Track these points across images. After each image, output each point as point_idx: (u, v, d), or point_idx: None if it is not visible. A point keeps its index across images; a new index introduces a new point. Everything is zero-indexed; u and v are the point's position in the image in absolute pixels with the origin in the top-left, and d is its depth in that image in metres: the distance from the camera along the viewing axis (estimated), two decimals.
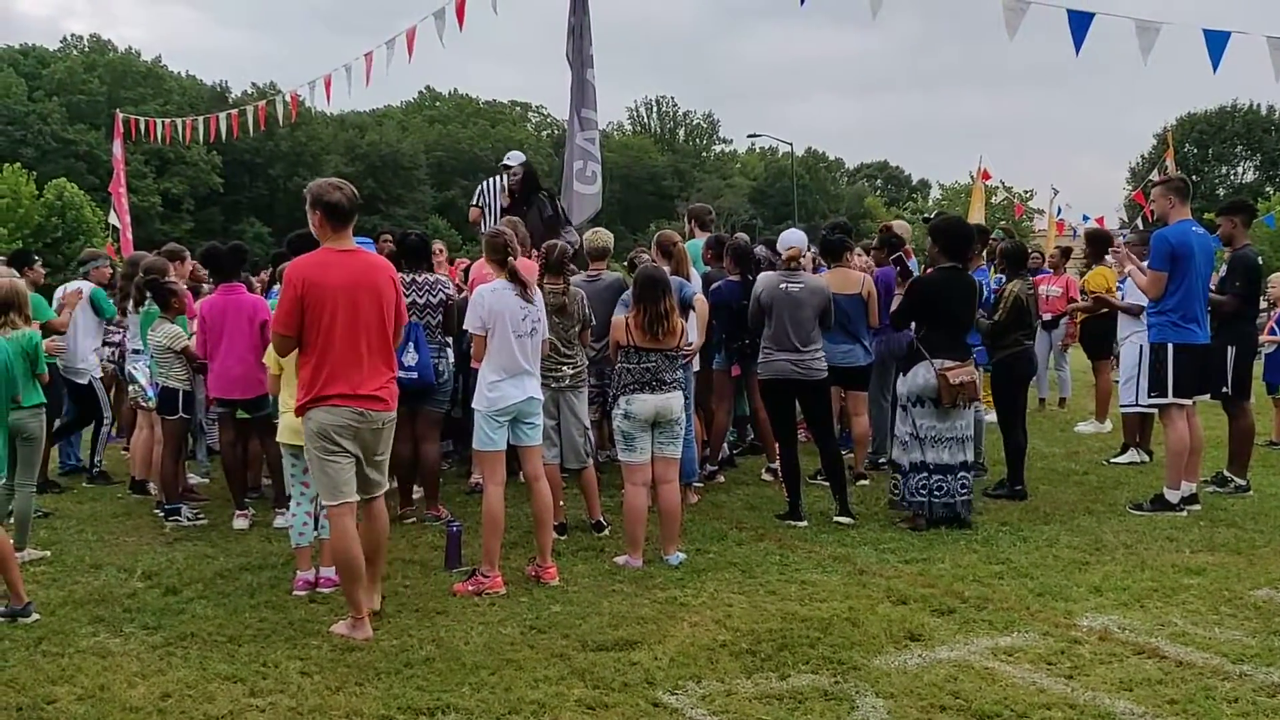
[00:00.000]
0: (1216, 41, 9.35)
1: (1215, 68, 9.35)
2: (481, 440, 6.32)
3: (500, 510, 6.25)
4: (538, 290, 6.53)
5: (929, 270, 7.88)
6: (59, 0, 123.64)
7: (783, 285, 7.72)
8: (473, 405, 6.40)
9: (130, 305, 8.86)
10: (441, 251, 12.75)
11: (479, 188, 11.04)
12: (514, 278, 6.29)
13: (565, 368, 7.24)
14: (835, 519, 7.68)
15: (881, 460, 9.52)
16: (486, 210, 10.80)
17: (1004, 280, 8.77)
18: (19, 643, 5.35)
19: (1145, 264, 8.02)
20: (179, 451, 8.27)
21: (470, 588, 6.09)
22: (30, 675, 4.92)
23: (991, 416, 9.43)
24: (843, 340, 8.74)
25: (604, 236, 8.39)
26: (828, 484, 8.00)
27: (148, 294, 8.34)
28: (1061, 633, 5.29)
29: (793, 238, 8.15)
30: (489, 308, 6.24)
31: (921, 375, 7.43)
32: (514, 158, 11.05)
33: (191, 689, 4.74)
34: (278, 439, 6.55)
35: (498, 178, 10.85)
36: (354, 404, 5.37)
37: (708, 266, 9.37)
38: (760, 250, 9.67)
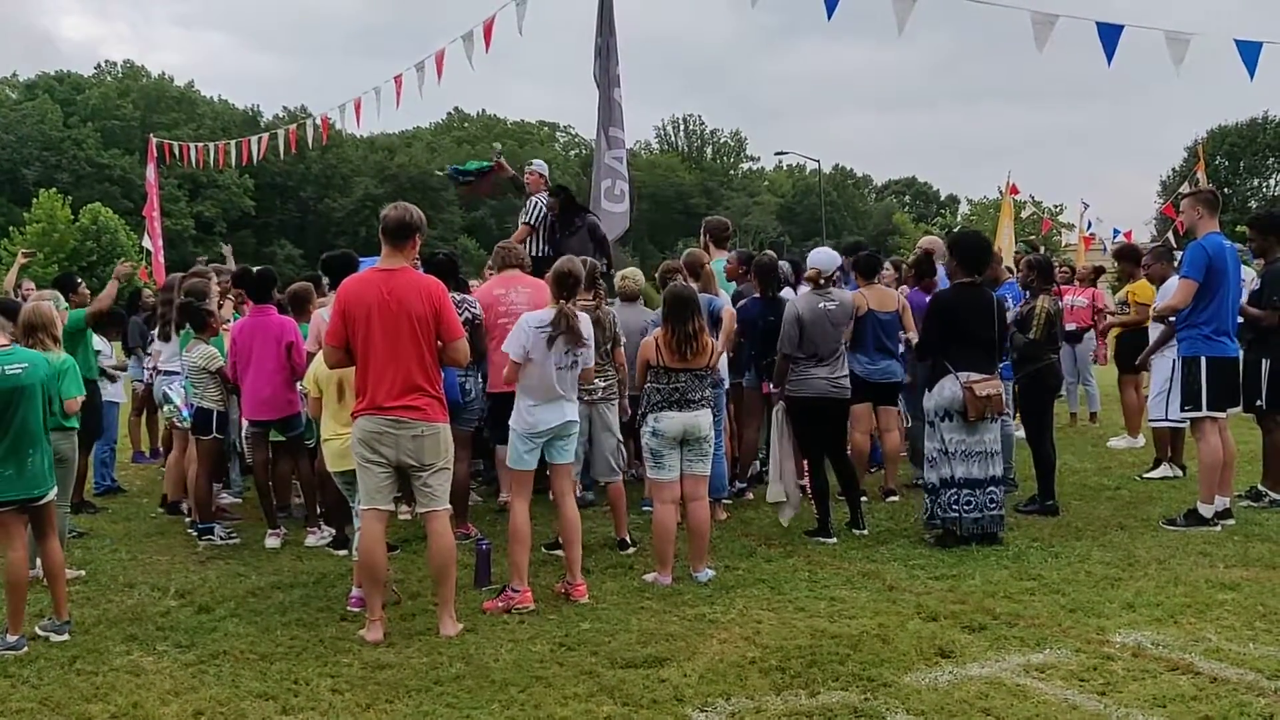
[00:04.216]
0: (1250, 51, 9.33)
1: (1252, 75, 9.34)
2: (514, 458, 6.38)
3: (527, 524, 6.27)
4: (584, 318, 6.48)
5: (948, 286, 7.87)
6: (98, 27, 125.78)
7: (821, 305, 7.72)
8: (510, 423, 6.42)
9: (171, 329, 8.96)
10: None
11: (530, 204, 10.64)
12: (565, 321, 6.25)
13: (597, 380, 7.29)
14: (852, 529, 7.74)
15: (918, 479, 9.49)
16: (540, 229, 10.65)
17: (1028, 295, 8.70)
18: (54, 661, 5.42)
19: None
20: (213, 471, 8.35)
21: (500, 604, 6.11)
22: (65, 693, 4.99)
23: (1022, 432, 9.37)
24: (881, 357, 8.73)
25: (634, 280, 8.47)
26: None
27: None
28: (1094, 649, 5.25)
29: (818, 258, 8.13)
30: (534, 337, 6.23)
31: (948, 389, 7.41)
32: (539, 166, 11.10)
33: (224, 707, 4.78)
34: (328, 468, 6.60)
35: (545, 195, 10.72)
36: (383, 414, 5.59)
37: (732, 282, 9.38)
38: (784, 267, 9.67)
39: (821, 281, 7.85)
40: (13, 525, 5.75)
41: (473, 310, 7.86)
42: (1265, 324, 8.29)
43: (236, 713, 4.72)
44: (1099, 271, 14.78)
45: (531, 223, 10.48)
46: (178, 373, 8.84)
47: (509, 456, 6.45)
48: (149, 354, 10.19)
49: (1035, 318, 8.34)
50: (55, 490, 5.99)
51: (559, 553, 6.84)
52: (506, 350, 6.35)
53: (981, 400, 7.31)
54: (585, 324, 6.44)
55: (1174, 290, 8.01)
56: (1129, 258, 11.78)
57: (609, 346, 7.40)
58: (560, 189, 10.85)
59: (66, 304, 9.12)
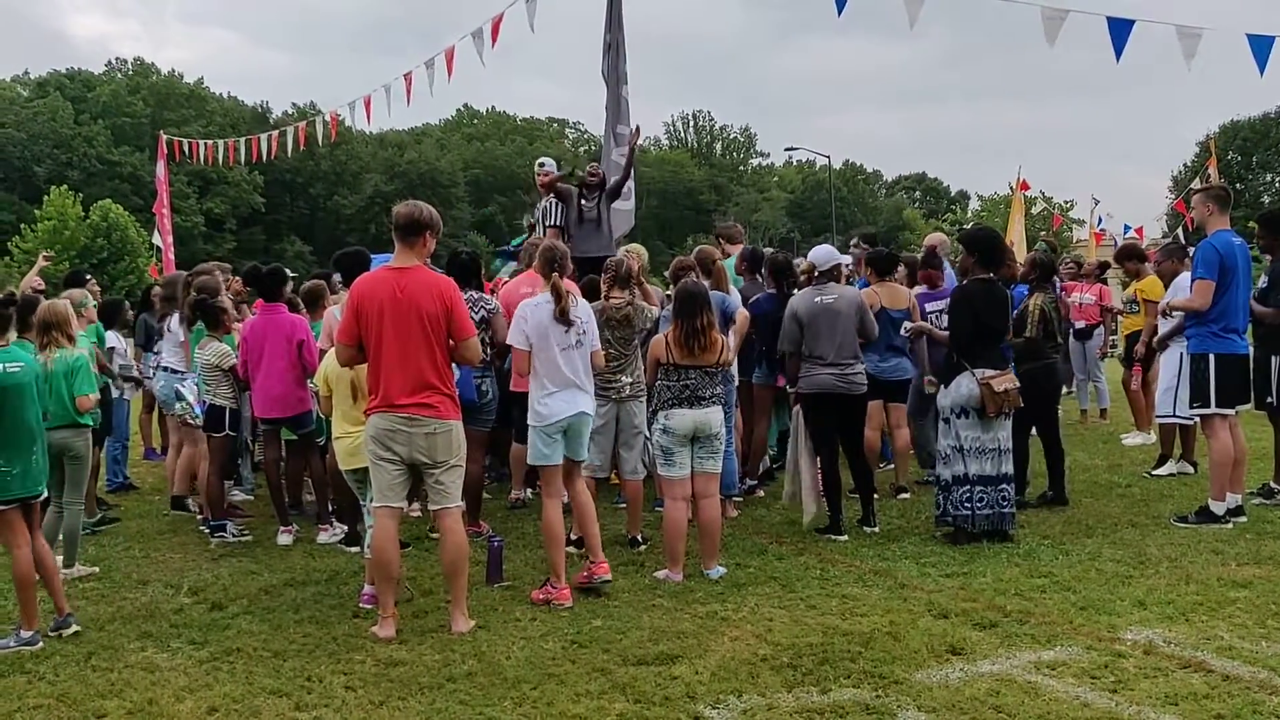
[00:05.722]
0: (1261, 46, 9.29)
1: (1262, 70, 9.29)
2: (536, 455, 6.40)
3: (560, 524, 6.31)
4: (581, 302, 6.54)
5: (964, 282, 7.84)
6: (108, 24, 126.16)
7: (818, 299, 7.70)
8: (527, 420, 6.46)
9: (176, 323, 8.98)
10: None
11: (546, 207, 10.73)
12: (555, 292, 6.33)
13: (623, 377, 7.29)
14: (863, 526, 7.75)
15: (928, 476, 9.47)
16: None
17: (1026, 294, 8.67)
18: (69, 657, 5.45)
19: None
20: (225, 469, 8.37)
21: (541, 597, 6.17)
22: (80, 690, 5.02)
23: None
24: (890, 354, 8.73)
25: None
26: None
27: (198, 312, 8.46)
28: (1105, 647, 5.24)
29: (816, 253, 8.11)
30: (531, 321, 6.29)
31: (964, 386, 7.39)
32: (549, 165, 11.18)
33: (238, 703, 4.81)
34: (339, 466, 6.63)
35: (553, 198, 10.78)
36: (396, 412, 5.62)
37: (739, 278, 9.37)
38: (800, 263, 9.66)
39: (816, 275, 7.84)
40: (16, 522, 5.77)
41: (487, 308, 7.84)
42: (1269, 322, 8.27)
43: (250, 710, 4.74)
44: (1104, 267, 14.75)
45: (559, 224, 10.56)
46: (181, 370, 8.87)
47: (530, 453, 6.46)
48: (155, 351, 10.21)
49: (1029, 315, 8.33)
50: (45, 490, 6.02)
51: (572, 550, 6.85)
52: (510, 342, 6.40)
53: (1000, 396, 7.29)
54: (584, 307, 6.51)
55: (1187, 289, 7.98)
56: (1132, 256, 11.79)
57: (638, 341, 7.37)
58: (594, 159, 11.05)
59: (96, 302, 9.18)
